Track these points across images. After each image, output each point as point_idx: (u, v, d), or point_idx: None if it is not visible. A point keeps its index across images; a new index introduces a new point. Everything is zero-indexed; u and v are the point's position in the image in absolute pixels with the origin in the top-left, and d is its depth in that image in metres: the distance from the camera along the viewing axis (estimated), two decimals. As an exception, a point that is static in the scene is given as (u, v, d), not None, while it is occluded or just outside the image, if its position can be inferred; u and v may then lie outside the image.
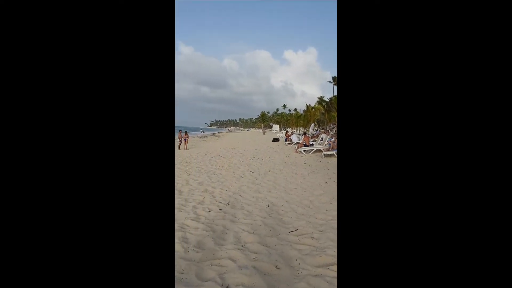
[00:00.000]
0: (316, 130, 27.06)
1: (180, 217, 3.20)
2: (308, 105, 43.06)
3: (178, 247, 2.39)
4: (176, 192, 4.42)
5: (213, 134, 46.20)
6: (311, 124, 32.42)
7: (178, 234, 2.66)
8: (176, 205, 3.66)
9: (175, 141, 15.96)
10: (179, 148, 13.55)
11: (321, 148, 10.28)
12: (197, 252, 2.31)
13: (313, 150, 10.48)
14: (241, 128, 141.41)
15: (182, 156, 10.04)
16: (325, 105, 35.32)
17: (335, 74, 33.69)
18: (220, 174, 6.20)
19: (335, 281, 1.83)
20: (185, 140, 13.94)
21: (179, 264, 2.10)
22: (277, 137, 23.60)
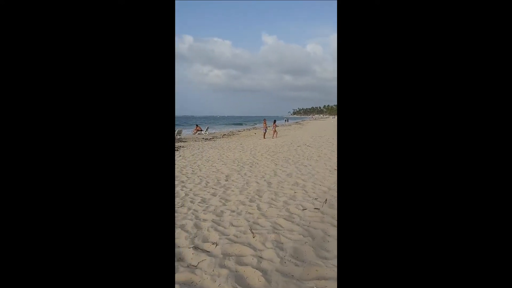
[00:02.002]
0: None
1: (272, 214, 2.85)
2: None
3: (272, 253, 2.02)
4: (264, 183, 4.15)
5: (296, 122, 45.64)
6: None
7: (271, 236, 2.29)
8: (266, 199, 3.35)
9: (262, 129, 16.22)
10: (264, 137, 13.64)
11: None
12: (296, 265, 1.87)
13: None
14: (326, 116, 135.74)
15: (268, 145, 9.94)
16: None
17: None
18: (310, 165, 5.66)
19: None
20: (273, 129, 13.93)
21: (275, 279, 1.71)
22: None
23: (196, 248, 2.11)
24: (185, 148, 9.40)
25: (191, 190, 3.87)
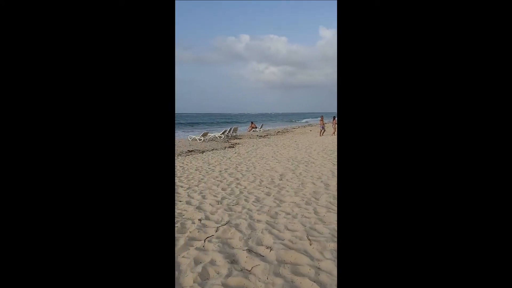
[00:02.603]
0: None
1: (330, 219, 2.63)
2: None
3: (331, 265, 1.82)
4: (321, 185, 3.91)
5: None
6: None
7: (330, 245, 2.09)
8: (323, 203, 3.13)
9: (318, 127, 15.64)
10: (320, 135, 13.10)
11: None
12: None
13: None
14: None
15: (325, 143, 9.49)
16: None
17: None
18: (372, 166, 5.15)
19: None
20: (333, 126, 13.32)
21: (337, 297, 1.52)
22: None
23: (250, 251, 2.04)
24: (240, 145, 9.61)
25: (245, 188, 3.87)
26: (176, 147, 9.31)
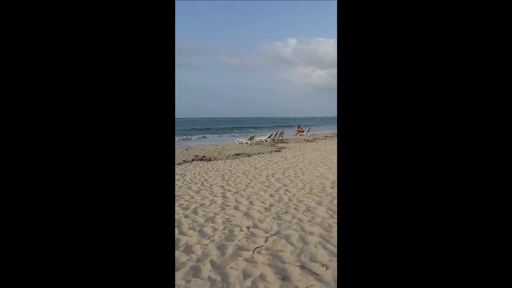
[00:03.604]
0: None
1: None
2: None
3: None
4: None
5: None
6: None
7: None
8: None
9: None
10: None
11: None
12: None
13: None
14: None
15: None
16: None
17: None
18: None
19: None
20: None
21: None
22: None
23: (303, 267, 1.85)
24: (287, 149, 9.40)
25: (294, 195, 3.67)
26: (224, 150, 9.52)
